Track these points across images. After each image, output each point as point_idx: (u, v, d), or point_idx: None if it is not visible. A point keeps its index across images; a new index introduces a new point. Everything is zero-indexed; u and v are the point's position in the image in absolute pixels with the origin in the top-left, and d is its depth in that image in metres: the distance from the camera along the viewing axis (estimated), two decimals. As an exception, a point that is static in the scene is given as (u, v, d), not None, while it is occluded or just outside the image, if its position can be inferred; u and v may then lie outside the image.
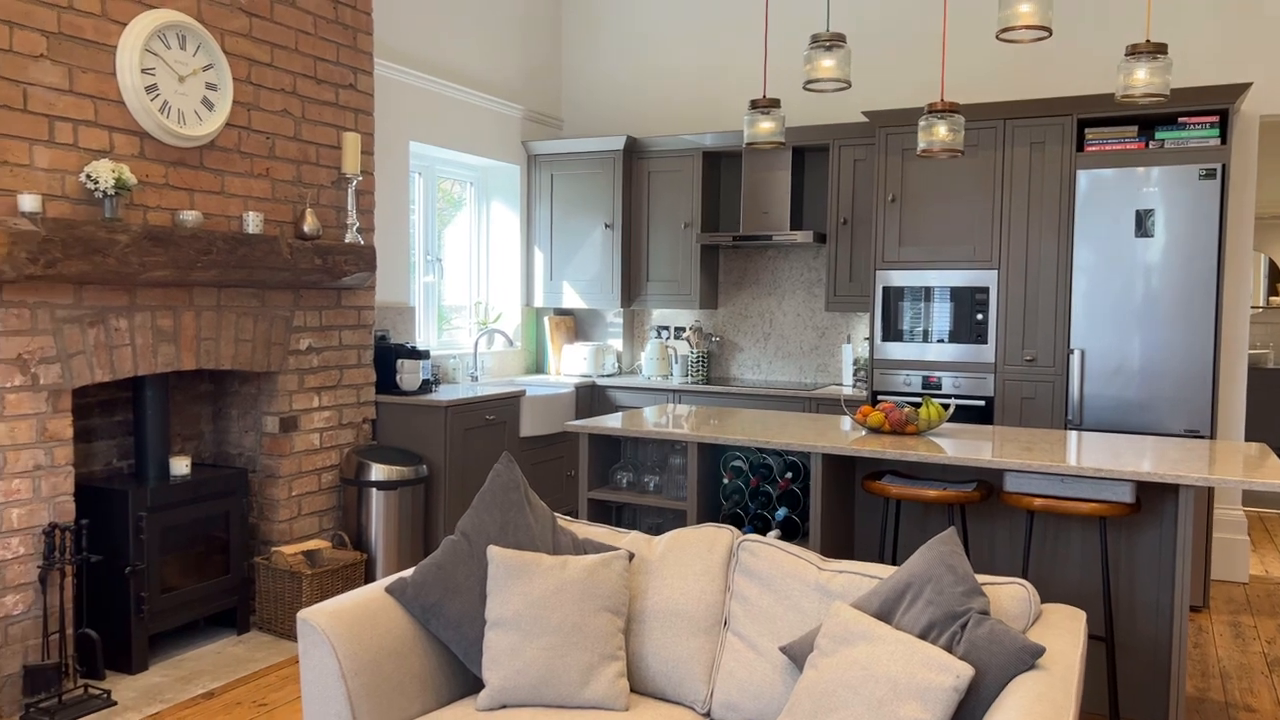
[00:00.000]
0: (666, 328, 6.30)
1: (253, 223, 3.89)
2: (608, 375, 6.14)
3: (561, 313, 6.58)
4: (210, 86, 3.75)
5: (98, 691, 3.30)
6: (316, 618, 2.22)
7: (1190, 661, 3.84)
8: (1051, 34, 3.10)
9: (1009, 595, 2.16)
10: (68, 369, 3.31)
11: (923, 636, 2.02)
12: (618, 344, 6.45)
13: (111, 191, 3.30)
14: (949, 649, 1.97)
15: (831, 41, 3.47)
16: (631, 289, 6.05)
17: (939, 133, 3.66)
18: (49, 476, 3.27)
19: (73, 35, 3.31)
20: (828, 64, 3.48)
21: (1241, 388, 4.95)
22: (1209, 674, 3.73)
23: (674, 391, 5.71)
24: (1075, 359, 4.62)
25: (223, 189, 3.88)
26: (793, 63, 5.87)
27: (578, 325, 6.60)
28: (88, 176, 3.28)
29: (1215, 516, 5.06)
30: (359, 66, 4.54)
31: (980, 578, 2.23)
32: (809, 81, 3.52)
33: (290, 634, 3.96)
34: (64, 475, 3.31)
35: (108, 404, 3.81)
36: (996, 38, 3.12)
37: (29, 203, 3.10)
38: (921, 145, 3.68)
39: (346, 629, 2.23)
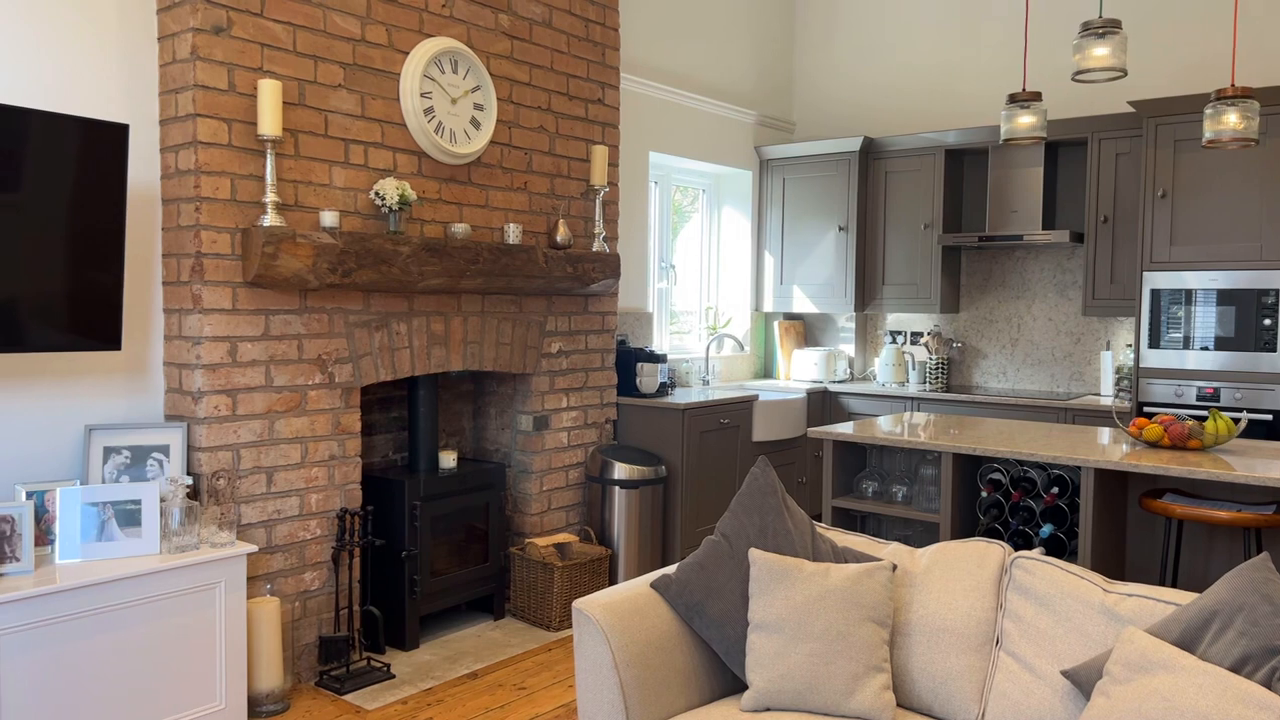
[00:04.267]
0: (902, 333, 6.12)
1: (512, 234, 4.13)
2: (839, 381, 6.05)
3: (791, 317, 6.55)
4: (478, 107, 4.02)
5: (379, 664, 3.62)
6: (591, 608, 2.32)
7: None
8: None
9: (1338, 632, 1.93)
10: (358, 368, 3.65)
11: (1235, 670, 1.85)
12: (849, 349, 6.34)
13: (396, 207, 3.61)
14: (1268, 686, 1.80)
15: (1105, 28, 3.26)
16: (865, 293, 5.93)
17: (1229, 121, 3.35)
18: (341, 466, 3.62)
19: (364, 65, 3.65)
20: (1100, 52, 3.28)
21: None
22: None
23: (911, 399, 5.54)
24: (1389, 370, 4.08)
25: (487, 202, 4.14)
26: (1042, 53, 5.55)
27: (807, 330, 6.54)
28: (376, 194, 3.61)
29: None
30: (606, 81, 4.72)
31: (1300, 611, 2.01)
32: (1079, 72, 3.32)
33: (542, 621, 4.17)
34: (353, 465, 3.66)
35: (385, 401, 4.16)
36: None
37: (329, 219, 3.44)
38: (1208, 135, 3.38)
39: (618, 621, 2.32)
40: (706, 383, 5.86)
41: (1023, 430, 3.63)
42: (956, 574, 2.40)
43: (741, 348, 6.07)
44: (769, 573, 2.40)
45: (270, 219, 3.26)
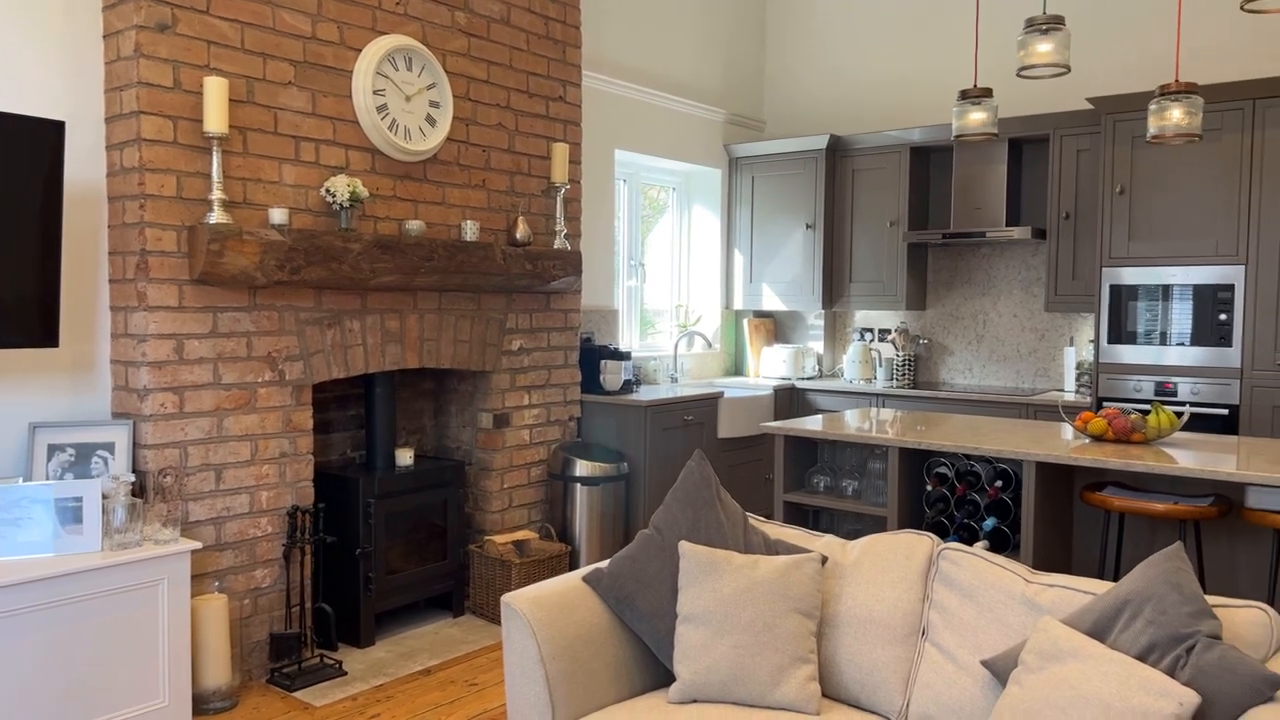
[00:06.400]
0: (870, 330, 6.14)
1: (470, 231, 4.14)
2: (808, 378, 6.06)
3: (761, 315, 6.56)
4: (433, 104, 4.02)
5: (331, 661, 3.62)
6: (519, 603, 2.33)
7: None
8: (1308, 0, 2.78)
9: (1246, 620, 1.95)
10: (309, 366, 3.66)
11: (1141, 659, 1.87)
12: (818, 346, 6.35)
13: (347, 204, 3.61)
14: (1171, 674, 1.81)
15: (1049, 24, 3.28)
16: (833, 290, 5.95)
17: (1173, 116, 3.36)
18: (293, 463, 3.62)
19: (315, 63, 3.65)
20: (1044, 49, 3.30)
21: None
22: None
23: (878, 395, 5.56)
24: (1340, 364, 4.10)
25: (443, 200, 4.15)
26: (1006, 51, 5.57)
27: (777, 327, 6.56)
28: (327, 191, 3.61)
29: None
30: (568, 79, 4.73)
31: (1211, 599, 2.03)
32: (1024, 68, 3.34)
33: (499, 619, 4.17)
34: (305, 462, 3.66)
35: (343, 399, 4.16)
36: (1242, 9, 2.84)
37: (278, 216, 3.44)
38: (1152, 131, 3.40)
39: (546, 614, 2.33)
40: (675, 380, 5.87)
41: (975, 425, 3.64)
42: (885, 566, 2.42)
43: (710, 345, 6.08)
44: (698, 565, 2.41)
45: (216, 216, 3.26)
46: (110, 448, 3.17)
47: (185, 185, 3.28)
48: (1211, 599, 2.04)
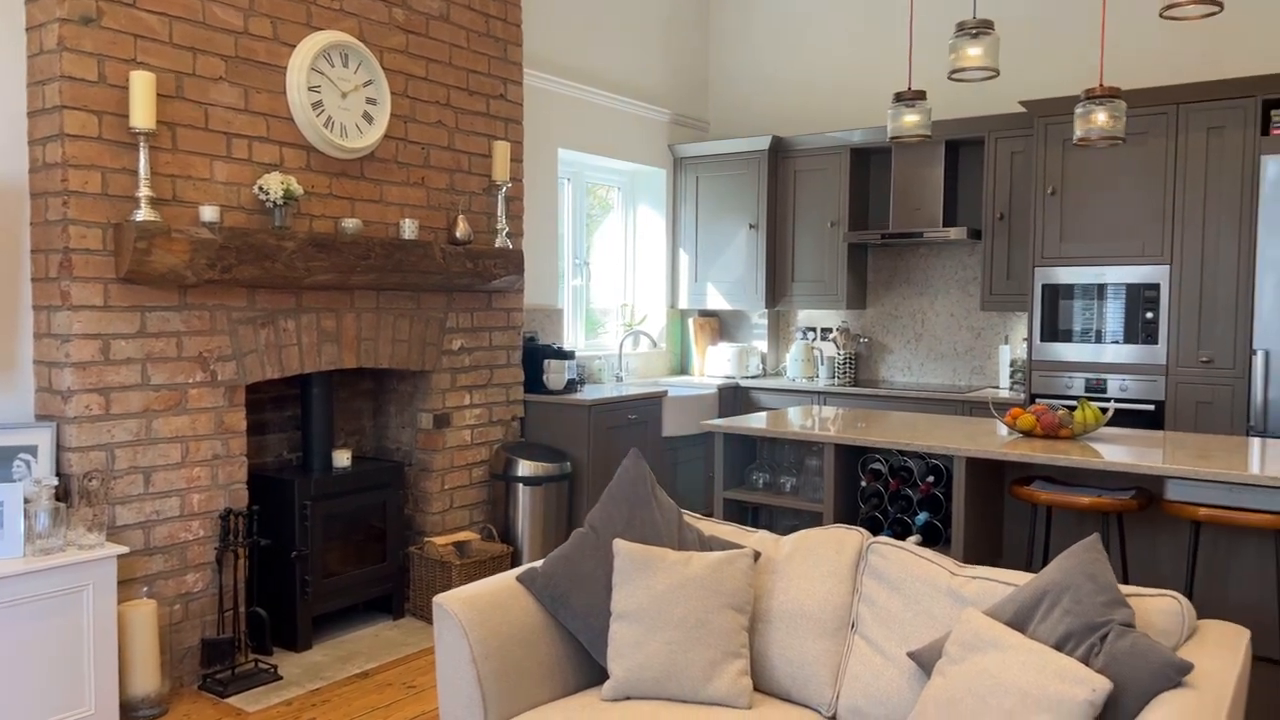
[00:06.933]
0: (813, 329, 6.20)
1: (408, 229, 4.10)
2: (752, 376, 6.11)
3: (706, 314, 6.60)
4: (370, 101, 3.98)
5: (266, 666, 3.56)
6: (451, 603, 2.32)
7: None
8: (1223, 9, 2.88)
9: (1158, 608, 2.01)
10: (242, 366, 3.60)
11: (1058, 647, 1.91)
12: (762, 345, 6.41)
13: (280, 201, 3.56)
14: (1086, 661, 1.86)
15: (978, 29, 3.35)
16: (776, 290, 6.00)
17: (1098, 119, 3.45)
18: (225, 465, 3.56)
19: (248, 58, 3.59)
20: (974, 52, 3.36)
21: None
22: None
23: (819, 393, 5.62)
24: (1259, 360, 4.24)
25: (381, 198, 4.11)
26: (944, 54, 5.67)
27: (722, 327, 6.60)
28: (260, 188, 3.55)
29: None
30: (509, 77, 4.71)
31: (1127, 589, 2.09)
32: (954, 71, 3.41)
33: (440, 621, 4.14)
34: (238, 464, 3.60)
35: (279, 400, 4.10)
36: (1160, 16, 2.92)
37: (209, 213, 3.38)
38: (1078, 134, 3.48)
39: (479, 615, 2.32)
40: (620, 379, 5.87)
41: (911, 422, 3.70)
42: (816, 561, 2.45)
43: (655, 344, 6.10)
44: (632, 563, 2.41)
45: (144, 214, 3.19)
46: (33, 450, 3.09)
47: (111, 182, 3.21)
48: (1126, 588, 2.10)
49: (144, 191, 3.21)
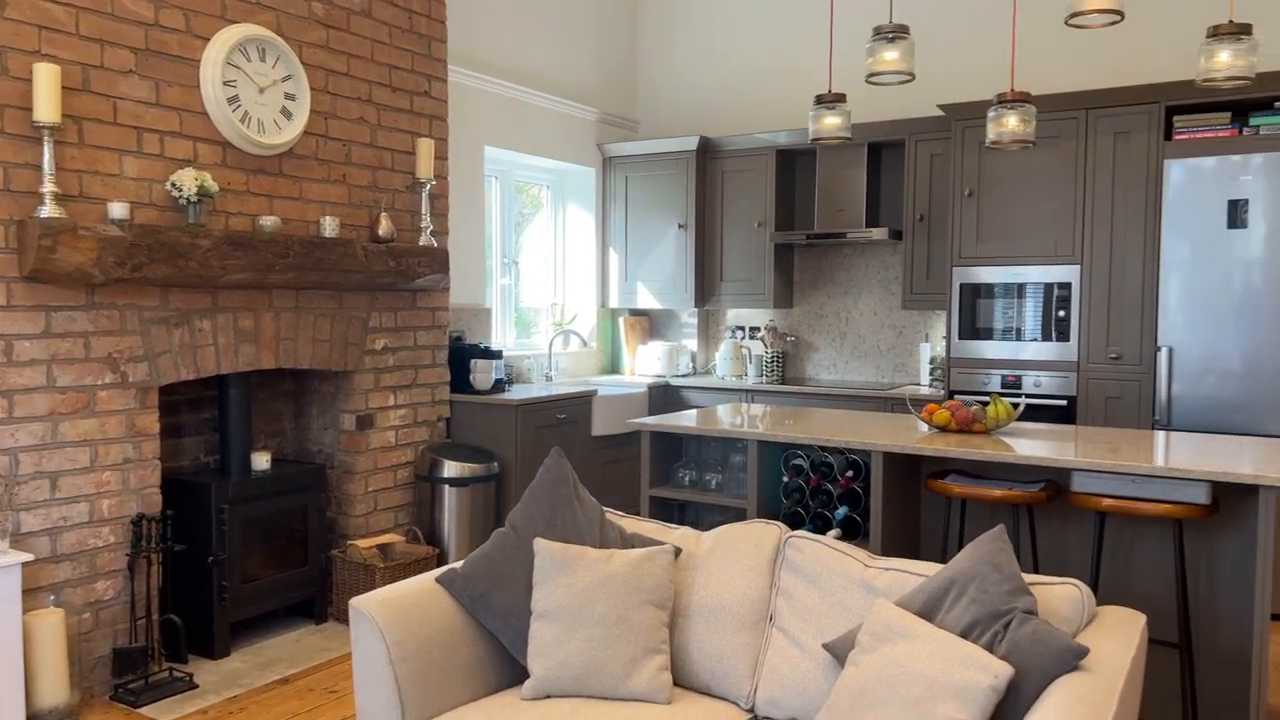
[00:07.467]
0: (741, 328, 6.27)
1: (329, 227, 4.03)
2: (682, 375, 6.15)
3: (636, 313, 6.62)
4: (289, 97, 3.91)
5: (181, 674, 3.47)
6: (367, 606, 2.29)
7: (1276, 672, 3.63)
8: (1123, 18, 2.98)
9: (1060, 596, 2.08)
10: (155, 367, 3.50)
11: (965, 635, 1.97)
12: (692, 344, 6.45)
13: (194, 199, 3.47)
14: (990, 648, 1.92)
15: (894, 33, 3.42)
16: (705, 289, 6.05)
17: (1009, 124, 3.55)
18: (137, 469, 3.46)
19: (159, 51, 3.49)
20: (890, 56, 3.43)
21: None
22: (1306, 689, 3.51)
23: (748, 391, 5.68)
24: (1163, 357, 4.42)
25: (301, 195, 4.03)
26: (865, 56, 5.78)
27: (652, 326, 6.63)
28: (173, 185, 3.46)
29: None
30: (433, 74, 4.66)
31: (1031, 578, 2.16)
32: (872, 74, 3.47)
33: (365, 625, 4.08)
34: (151, 468, 3.50)
35: (196, 401, 4.00)
36: (1065, 23, 3.02)
37: (118, 210, 3.28)
38: (991, 137, 3.58)
39: (396, 617, 2.29)
40: (550, 379, 5.86)
41: (833, 419, 3.77)
42: (736, 555, 2.48)
43: (585, 344, 6.10)
44: (552, 561, 2.41)
45: (48, 210, 3.08)
46: (-71, 456, 2.96)
47: (13, 177, 3.09)
48: (1030, 577, 2.17)
49: (49, 187, 3.10)
